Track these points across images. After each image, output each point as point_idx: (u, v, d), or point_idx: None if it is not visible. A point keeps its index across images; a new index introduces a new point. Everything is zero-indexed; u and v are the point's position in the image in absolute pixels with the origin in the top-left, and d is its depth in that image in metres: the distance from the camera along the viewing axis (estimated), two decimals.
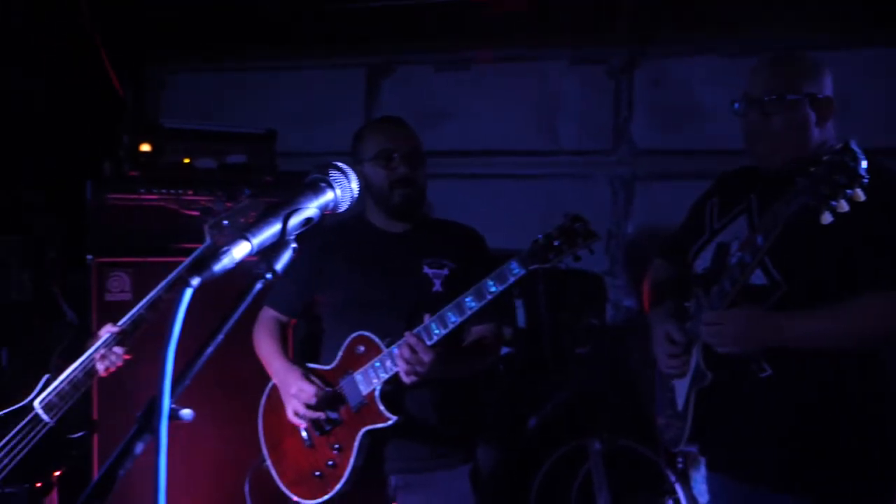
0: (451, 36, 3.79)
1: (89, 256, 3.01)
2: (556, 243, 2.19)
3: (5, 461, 2.17)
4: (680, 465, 3.04)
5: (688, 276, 2.32)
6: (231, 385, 3.21)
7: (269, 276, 1.15)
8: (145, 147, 3.03)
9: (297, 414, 2.37)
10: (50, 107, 3.59)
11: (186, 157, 3.12)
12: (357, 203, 2.65)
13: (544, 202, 3.70)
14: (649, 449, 3.13)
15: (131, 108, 3.34)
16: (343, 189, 1.29)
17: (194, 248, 3.05)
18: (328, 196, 1.27)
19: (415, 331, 2.27)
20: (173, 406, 1.02)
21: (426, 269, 2.48)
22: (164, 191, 3.06)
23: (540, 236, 2.21)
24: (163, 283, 2.39)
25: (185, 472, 3.17)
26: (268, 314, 2.62)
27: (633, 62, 3.71)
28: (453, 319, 2.27)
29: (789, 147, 2.11)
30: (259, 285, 1.15)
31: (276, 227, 1.17)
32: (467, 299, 2.25)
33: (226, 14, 3.85)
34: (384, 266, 2.48)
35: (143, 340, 2.36)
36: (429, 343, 2.25)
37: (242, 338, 3.17)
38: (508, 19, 3.56)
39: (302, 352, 2.61)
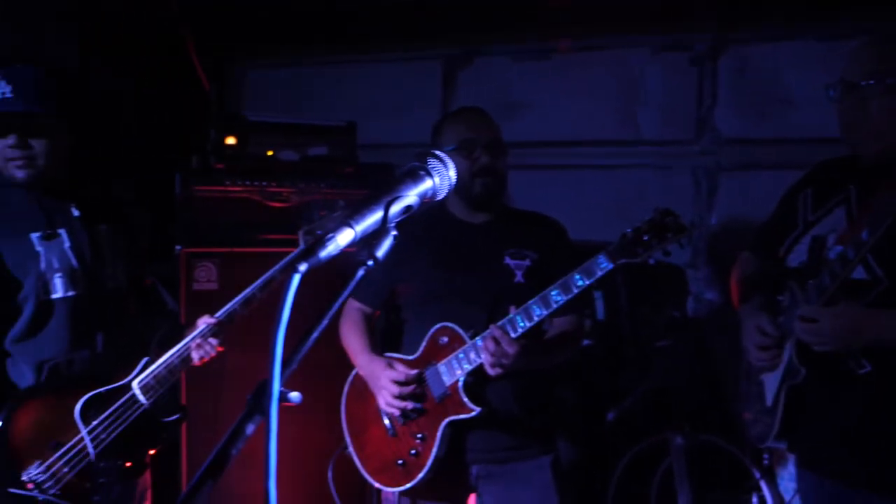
0: (529, 26, 3.75)
1: (178, 247, 3.11)
2: (645, 238, 2.15)
3: (102, 436, 2.24)
4: (766, 462, 2.97)
5: (779, 270, 2.26)
6: (312, 373, 3.25)
7: (370, 263, 1.16)
8: (231, 140, 3.11)
9: (388, 404, 2.40)
10: (139, 102, 3.71)
11: (270, 149, 3.18)
12: None
13: (624, 193, 3.65)
14: (733, 444, 3.07)
15: (216, 103, 3.42)
16: (441, 177, 1.30)
17: (277, 239, 3.14)
18: (427, 184, 1.27)
19: (499, 323, 2.27)
20: (282, 389, 1.04)
21: (508, 260, 2.47)
22: (248, 182, 3.13)
23: (629, 230, 2.18)
24: (258, 282, 2.44)
25: (286, 458, 3.24)
26: (353, 306, 2.65)
27: (716, 49, 3.62)
28: (539, 313, 2.26)
29: (890, 134, 2.03)
30: (361, 272, 1.16)
31: (377, 215, 1.18)
32: (553, 293, 2.24)
33: (305, 9, 3.89)
34: (466, 257, 2.48)
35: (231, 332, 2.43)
36: (513, 335, 2.25)
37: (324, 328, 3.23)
38: (589, 8, 3.51)
39: (382, 342, 2.63)
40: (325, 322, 1.11)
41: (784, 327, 2.13)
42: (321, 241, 1.09)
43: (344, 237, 1.13)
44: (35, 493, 2.13)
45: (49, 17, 3.66)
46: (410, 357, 2.46)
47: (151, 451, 2.41)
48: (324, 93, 4.14)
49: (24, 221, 2.24)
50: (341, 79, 4.18)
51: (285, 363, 1.05)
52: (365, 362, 2.50)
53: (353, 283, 1.14)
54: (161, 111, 3.78)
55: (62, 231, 2.27)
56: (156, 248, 2.78)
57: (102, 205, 2.41)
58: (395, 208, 1.20)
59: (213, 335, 2.36)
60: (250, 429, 1.06)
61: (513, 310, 2.28)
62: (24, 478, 2.14)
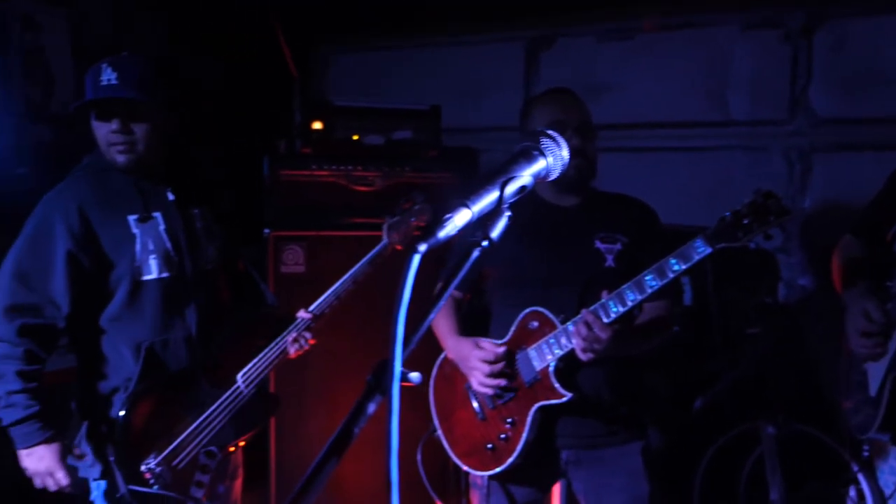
0: (613, 5, 3.67)
1: (266, 230, 3.16)
2: (745, 221, 2.08)
3: (211, 426, 2.31)
4: (865, 454, 2.86)
5: (885, 255, 2.17)
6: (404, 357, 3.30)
7: (485, 244, 1.15)
8: (317, 125, 3.14)
9: (481, 383, 2.39)
10: (225, 88, 3.78)
11: (355, 133, 3.20)
12: None
13: (713, 176, 3.55)
14: (829, 434, 2.96)
15: (302, 88, 3.46)
16: (555, 157, 1.28)
17: (363, 223, 3.17)
18: (540, 164, 1.26)
19: (592, 308, 2.24)
20: (403, 369, 1.04)
21: (598, 244, 2.43)
22: (334, 167, 3.16)
23: (728, 213, 2.12)
24: (348, 275, 2.47)
25: (359, 441, 3.29)
26: None
27: (811, 25, 3.47)
28: (632, 297, 2.21)
29: None
30: (476, 253, 1.15)
31: (493, 195, 1.16)
32: (648, 278, 2.19)
33: None
34: (555, 241, 2.45)
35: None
36: (606, 321, 2.21)
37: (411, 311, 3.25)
38: None
39: (469, 326, 2.63)
40: (441, 304, 1.10)
41: (893, 314, 2.05)
42: (439, 222, 1.08)
43: (461, 217, 1.12)
44: (154, 485, 2.21)
45: (140, 5, 3.75)
46: (499, 341, 2.45)
47: (248, 436, 2.47)
48: (405, 77, 4.14)
49: (122, 204, 2.30)
50: (423, 63, 4.17)
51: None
52: (453, 344, 2.50)
53: (468, 265, 1.13)
54: (246, 97, 3.84)
55: (157, 214, 2.32)
56: (244, 231, 2.84)
57: (196, 189, 2.46)
58: (511, 188, 1.19)
59: (307, 329, 2.41)
60: (371, 408, 1.06)
61: (605, 294, 2.25)
62: (143, 468, 2.21)
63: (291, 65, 3.33)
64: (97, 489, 2.32)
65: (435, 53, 4.18)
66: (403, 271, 1.02)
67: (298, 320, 2.42)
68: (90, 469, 2.27)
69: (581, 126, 2.42)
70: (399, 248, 2.59)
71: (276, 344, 2.39)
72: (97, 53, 3.70)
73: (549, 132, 1.30)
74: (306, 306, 2.45)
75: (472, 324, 2.63)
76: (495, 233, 1.15)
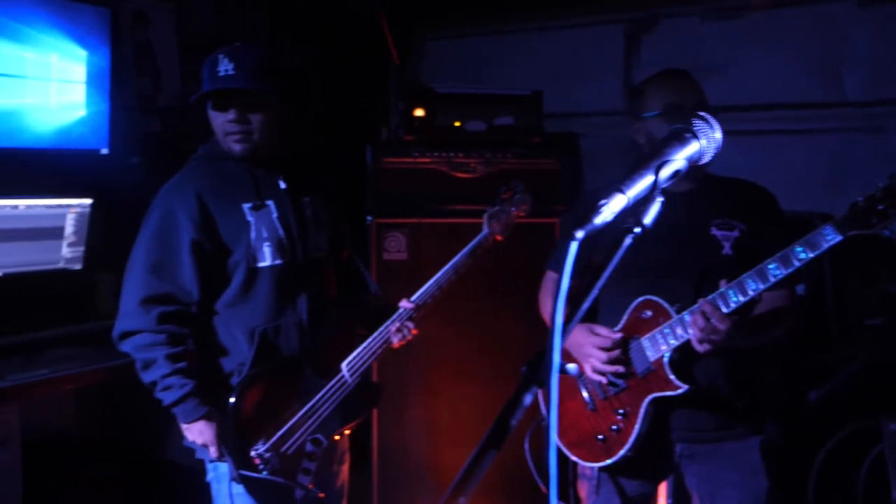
0: None
1: (368, 217, 3.18)
2: (880, 207, 1.95)
3: (321, 411, 2.34)
4: None
5: None
6: (506, 345, 3.29)
7: (638, 230, 1.11)
8: (419, 112, 3.13)
9: (596, 370, 2.34)
10: (327, 76, 3.81)
11: (457, 120, 3.18)
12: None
13: (828, 159, 3.40)
14: None
15: (403, 75, 3.46)
16: (708, 139, 1.23)
17: (464, 210, 3.15)
18: (693, 146, 1.21)
19: (710, 297, 2.15)
20: (560, 361, 1.02)
21: (714, 231, 2.34)
22: (436, 153, 3.15)
23: (860, 199, 1.99)
24: (449, 265, 2.46)
25: (460, 428, 3.30)
26: (551, 277, 2.61)
27: None
28: (753, 287, 2.11)
29: None
30: (629, 240, 1.11)
31: (648, 180, 1.12)
32: (771, 266, 2.09)
33: None
34: (669, 227, 2.32)
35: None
36: (725, 311, 2.13)
37: (510, 299, 3.25)
38: None
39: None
40: (595, 293, 1.07)
41: None
42: (595, 209, 1.05)
43: (616, 203, 1.08)
44: (264, 470, 2.24)
45: None
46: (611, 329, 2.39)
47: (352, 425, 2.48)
48: (502, 62, 4.10)
49: (236, 192, 2.34)
50: (520, 48, 4.12)
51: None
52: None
53: (620, 252, 1.09)
54: (344, 85, 3.87)
55: (270, 202, 2.35)
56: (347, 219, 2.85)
57: (306, 178, 2.48)
58: (665, 173, 1.14)
59: (410, 319, 2.40)
60: (528, 399, 1.04)
61: (723, 284, 2.16)
62: (252, 454, 2.25)
63: (394, 52, 3.33)
64: (213, 471, 2.38)
65: (532, 38, 4.12)
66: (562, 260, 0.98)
67: (401, 310, 2.42)
68: (206, 451, 2.33)
69: (698, 107, 2.32)
70: (499, 238, 2.57)
71: (380, 334, 2.40)
72: (201, 46, 3.80)
73: (703, 114, 1.25)
74: (408, 293, 2.45)
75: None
76: (648, 219, 1.11)
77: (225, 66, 2.24)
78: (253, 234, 2.30)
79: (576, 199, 3.30)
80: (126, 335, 2.26)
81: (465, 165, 3.14)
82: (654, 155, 1.17)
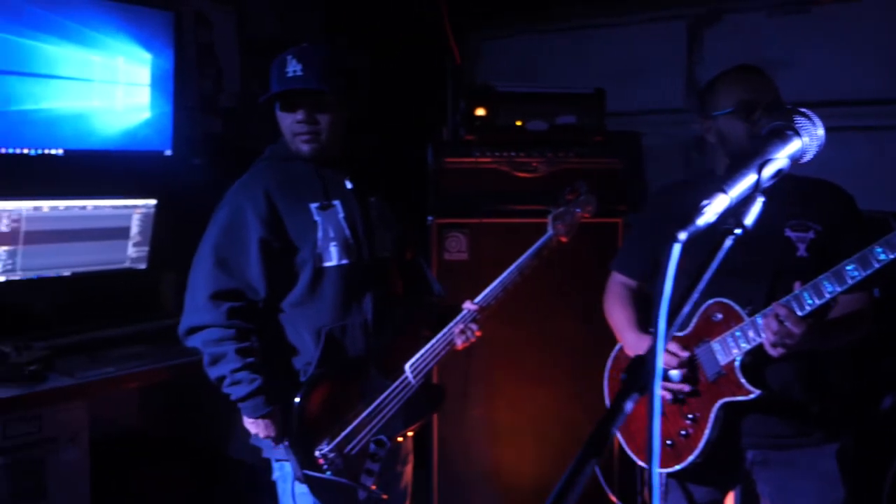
0: None
1: (430, 217, 3.17)
2: None
3: (384, 412, 2.34)
4: None
5: None
6: (562, 344, 3.26)
7: (738, 231, 1.07)
8: (480, 111, 3.11)
9: (667, 388, 2.31)
10: (384, 76, 3.81)
11: (519, 119, 3.15)
12: (706, 159, 2.52)
13: None
14: None
15: (456, 75, 3.44)
16: (810, 136, 1.19)
17: (525, 210, 3.13)
18: (795, 144, 1.17)
19: (784, 300, 2.10)
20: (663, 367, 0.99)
21: (789, 233, 2.27)
22: (497, 153, 3.12)
23: None
24: (514, 266, 2.44)
25: (520, 429, 3.28)
26: (616, 280, 2.57)
27: None
28: (830, 289, 2.05)
29: None
30: (729, 241, 1.08)
31: (750, 179, 1.09)
32: (849, 268, 2.02)
33: None
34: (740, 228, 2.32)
35: None
36: (800, 314, 2.07)
37: (572, 300, 3.22)
38: None
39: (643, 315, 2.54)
40: (695, 296, 1.04)
41: None
42: (697, 210, 1.02)
43: (719, 203, 1.05)
44: (328, 470, 2.25)
45: None
46: (680, 333, 2.34)
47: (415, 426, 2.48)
48: (558, 62, 4.06)
49: (304, 192, 2.35)
50: (576, 46, 4.07)
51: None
52: (633, 340, 2.42)
53: (721, 254, 1.06)
54: (401, 85, 3.87)
55: (337, 202, 2.36)
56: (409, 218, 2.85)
57: (371, 177, 2.48)
58: (767, 172, 1.11)
59: (473, 320, 2.39)
60: (629, 407, 1.01)
61: (798, 286, 2.10)
62: (317, 454, 2.26)
63: (456, 51, 3.31)
64: (279, 470, 2.39)
65: (589, 36, 4.07)
66: (664, 263, 0.95)
67: (465, 312, 2.41)
68: (273, 450, 2.34)
69: (772, 104, 2.27)
70: (564, 239, 2.53)
71: (443, 335, 2.39)
72: (260, 47, 3.84)
73: (804, 110, 1.21)
74: (468, 294, 2.44)
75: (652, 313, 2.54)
76: (749, 220, 1.07)
77: (293, 67, 2.24)
78: (320, 234, 2.31)
79: (638, 199, 3.26)
80: (194, 330, 2.27)
81: (526, 165, 3.12)
82: (755, 153, 1.13)
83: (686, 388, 2.26)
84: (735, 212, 1.09)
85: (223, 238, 2.28)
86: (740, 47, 3.61)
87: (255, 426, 2.31)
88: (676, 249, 0.98)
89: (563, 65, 4.04)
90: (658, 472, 0.95)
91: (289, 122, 2.31)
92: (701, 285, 1.08)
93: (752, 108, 2.26)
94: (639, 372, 1.02)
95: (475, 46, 4.37)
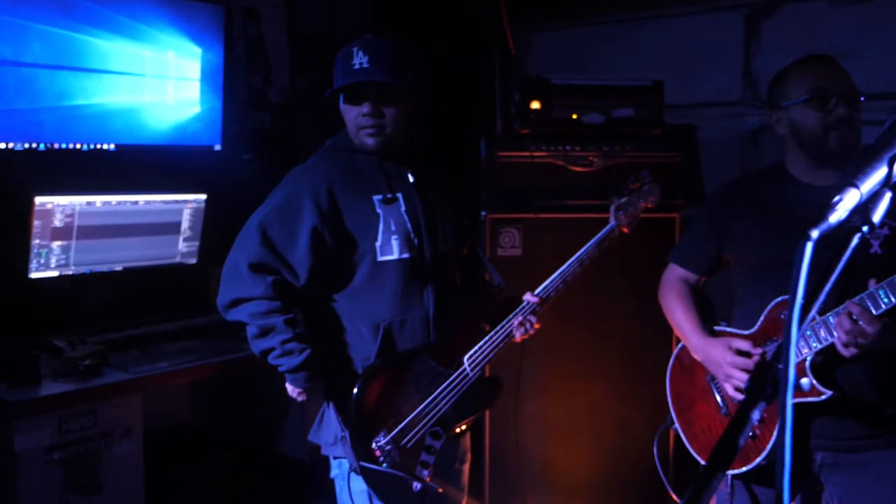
0: None
1: (483, 213, 3.12)
2: None
3: (438, 407, 2.30)
4: None
5: None
6: (616, 341, 3.20)
7: (865, 228, 1.01)
8: (535, 104, 3.06)
9: (740, 391, 2.24)
10: (438, 68, 3.77)
11: (574, 112, 3.09)
12: (776, 152, 2.44)
13: None
14: None
15: (506, 67, 3.39)
16: None
17: (580, 205, 3.07)
18: None
19: (857, 298, 2.02)
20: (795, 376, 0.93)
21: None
22: (552, 147, 3.07)
23: None
24: (575, 258, 2.39)
25: (573, 427, 3.22)
26: (674, 273, 2.51)
27: None
28: None
29: None
30: (856, 240, 1.02)
31: (881, 173, 1.02)
32: None
33: None
34: (809, 224, 2.24)
35: None
36: (875, 313, 1.99)
37: (627, 295, 3.16)
38: None
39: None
40: (822, 297, 0.98)
41: None
42: (830, 206, 0.97)
43: (850, 199, 0.99)
44: (384, 462, 2.22)
45: None
46: (746, 332, 2.27)
47: (472, 418, 2.43)
48: (610, 54, 3.98)
49: (367, 184, 2.30)
50: (629, 38, 3.99)
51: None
52: (700, 345, 2.35)
53: (848, 253, 1.00)
54: (451, 77, 3.82)
55: (399, 195, 2.32)
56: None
57: (431, 171, 2.44)
58: None
59: (533, 313, 2.34)
60: (756, 416, 0.96)
61: (872, 284, 2.02)
62: (374, 446, 2.23)
63: (511, 43, 3.26)
64: (338, 468, 2.36)
65: (642, 27, 3.99)
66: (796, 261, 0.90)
67: (525, 304, 2.35)
68: (332, 447, 2.31)
69: (847, 93, 2.20)
70: (626, 230, 2.48)
71: (502, 327, 2.34)
72: (308, 42, 3.82)
73: None
74: (522, 289, 2.39)
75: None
76: (877, 216, 1.01)
77: (359, 59, 2.20)
78: (381, 227, 2.27)
79: (697, 192, 3.18)
80: (239, 302, 2.22)
81: (582, 159, 3.05)
82: (884, 146, 1.06)
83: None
84: (863, 208, 1.02)
85: (275, 218, 2.23)
86: (801, 38, 3.51)
87: (291, 389, 2.30)
88: (808, 249, 0.92)
89: (615, 57, 3.96)
90: (788, 490, 0.90)
91: (354, 115, 2.27)
92: (828, 286, 1.02)
93: (827, 96, 2.19)
94: (765, 379, 0.96)
95: (524, 40, 4.30)
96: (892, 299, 1.99)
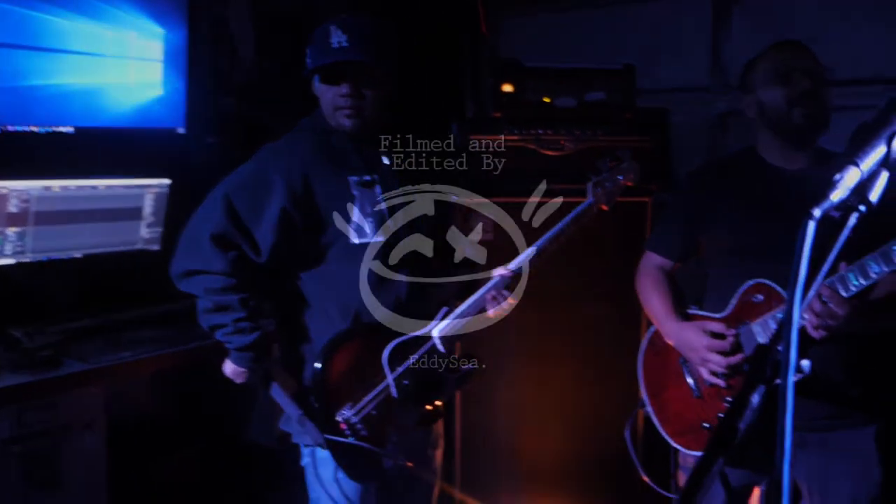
0: None
1: (454, 196, 3.08)
2: None
3: (405, 381, 2.24)
4: None
5: None
6: (588, 326, 3.20)
7: (862, 208, 1.00)
8: (507, 88, 3.02)
9: (714, 374, 2.25)
10: (411, 50, 3.71)
11: (547, 95, 3.06)
12: (744, 136, 2.45)
13: None
14: None
15: (482, 52, 3.34)
16: None
17: (553, 189, 3.03)
18: None
19: (827, 281, 2.03)
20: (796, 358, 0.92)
21: (832, 212, 2.21)
22: (524, 131, 3.04)
23: None
24: (549, 234, 2.36)
25: (545, 412, 3.22)
26: (650, 261, 2.51)
27: None
28: (877, 270, 1.99)
29: None
30: (853, 220, 1.00)
31: (880, 151, 1.01)
32: None
33: None
34: (780, 207, 2.23)
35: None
36: (845, 295, 2.01)
37: (599, 281, 3.15)
38: None
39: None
40: (819, 279, 0.96)
41: None
42: (831, 184, 0.95)
43: (851, 177, 0.97)
44: (350, 436, 2.17)
45: None
46: (718, 315, 2.28)
47: (443, 400, 2.40)
48: (581, 38, 3.95)
49: (343, 165, 2.25)
50: (599, 24, 3.97)
51: None
52: (674, 329, 2.35)
53: (845, 234, 0.99)
54: (423, 59, 3.76)
55: (376, 177, 2.27)
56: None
57: (405, 153, 2.39)
58: None
59: (506, 288, 2.30)
60: (755, 400, 0.94)
61: (843, 266, 2.04)
62: (339, 418, 2.18)
63: (483, 25, 3.21)
64: (309, 456, 2.32)
65: (613, 12, 3.97)
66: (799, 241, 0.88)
67: (496, 278, 2.31)
68: (303, 436, 2.27)
69: (811, 69, 2.22)
70: (604, 207, 2.46)
71: (473, 301, 2.30)
72: (277, 23, 3.72)
73: None
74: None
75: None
76: (874, 195, 0.99)
77: (338, 38, 2.14)
78: (357, 209, 2.22)
79: (666, 177, 3.18)
80: (194, 273, 2.16)
81: (554, 143, 3.03)
82: (881, 124, 1.05)
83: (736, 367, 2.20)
84: (860, 186, 1.01)
85: (241, 190, 2.18)
86: (769, 23, 3.52)
87: (236, 375, 2.24)
88: (811, 228, 0.90)
89: (585, 43, 3.94)
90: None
91: (331, 95, 2.21)
92: (825, 267, 1.01)
93: (791, 70, 2.22)
94: (763, 363, 0.94)
95: (494, 23, 4.26)
96: (862, 282, 2.01)
